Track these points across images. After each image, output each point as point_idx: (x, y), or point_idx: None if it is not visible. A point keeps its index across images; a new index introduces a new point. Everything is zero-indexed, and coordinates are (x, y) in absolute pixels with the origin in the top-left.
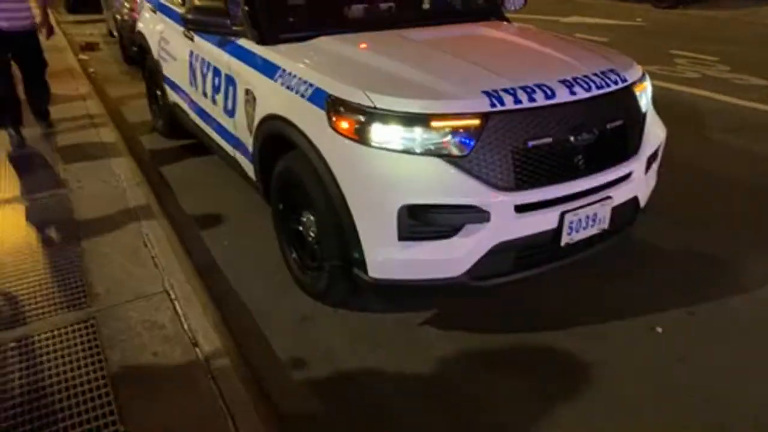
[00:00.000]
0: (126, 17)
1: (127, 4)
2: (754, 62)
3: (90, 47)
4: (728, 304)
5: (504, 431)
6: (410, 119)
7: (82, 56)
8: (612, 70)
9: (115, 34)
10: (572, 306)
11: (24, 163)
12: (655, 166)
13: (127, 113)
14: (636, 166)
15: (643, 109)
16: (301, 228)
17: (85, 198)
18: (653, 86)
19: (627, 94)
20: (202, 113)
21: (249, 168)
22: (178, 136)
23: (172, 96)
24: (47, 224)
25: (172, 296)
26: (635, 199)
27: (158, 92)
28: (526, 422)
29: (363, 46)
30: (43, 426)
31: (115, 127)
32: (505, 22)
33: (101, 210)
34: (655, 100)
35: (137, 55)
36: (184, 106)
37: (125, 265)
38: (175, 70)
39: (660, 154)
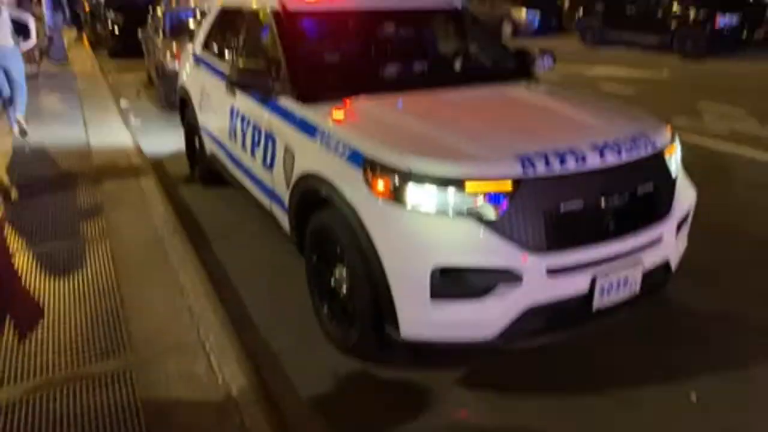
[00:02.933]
0: (167, 66)
1: (169, 54)
2: None
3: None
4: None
5: None
6: (444, 182)
7: (124, 102)
8: (642, 134)
9: (155, 80)
10: (605, 370)
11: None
12: (685, 228)
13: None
14: (666, 229)
15: (673, 173)
16: (333, 282)
17: (125, 246)
18: (680, 140)
19: (657, 159)
20: (240, 165)
21: (284, 220)
22: (214, 184)
23: (211, 147)
24: (88, 272)
25: (207, 347)
26: (666, 262)
27: (197, 142)
28: None
29: (398, 107)
30: None
31: (154, 174)
32: (534, 83)
33: (141, 259)
34: (683, 156)
35: (179, 106)
36: (223, 157)
37: (163, 314)
38: (215, 123)
39: (690, 216)
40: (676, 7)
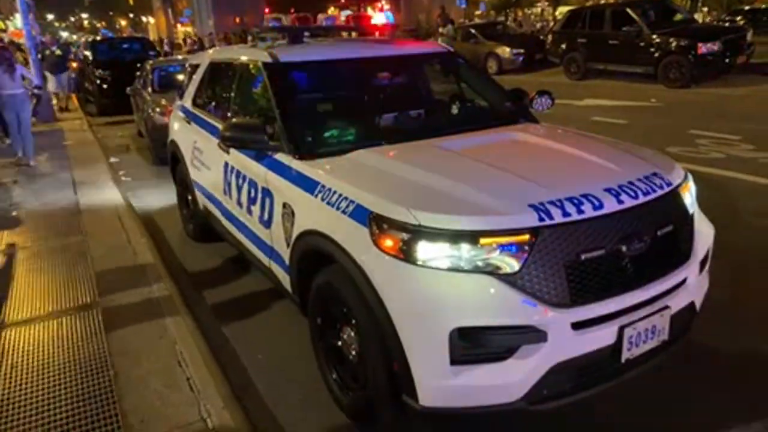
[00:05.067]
0: (156, 120)
1: (158, 109)
2: None
3: None
4: None
5: None
6: (457, 236)
7: (114, 158)
8: (655, 174)
9: (144, 134)
10: (631, 416)
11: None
12: (706, 267)
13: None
14: (690, 270)
15: (691, 211)
16: (341, 345)
17: (118, 314)
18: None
19: (674, 198)
20: (235, 222)
21: (285, 279)
22: (207, 240)
23: (204, 202)
24: (77, 344)
25: (210, 425)
26: (692, 305)
27: (189, 198)
28: None
29: (400, 158)
30: None
31: (146, 233)
32: (535, 124)
33: (134, 327)
34: None
35: (170, 162)
36: (217, 213)
37: (160, 389)
38: (208, 178)
39: (710, 253)
40: (658, 38)
